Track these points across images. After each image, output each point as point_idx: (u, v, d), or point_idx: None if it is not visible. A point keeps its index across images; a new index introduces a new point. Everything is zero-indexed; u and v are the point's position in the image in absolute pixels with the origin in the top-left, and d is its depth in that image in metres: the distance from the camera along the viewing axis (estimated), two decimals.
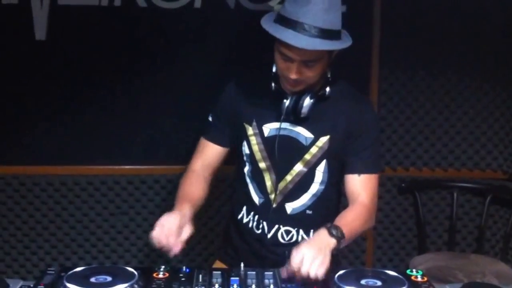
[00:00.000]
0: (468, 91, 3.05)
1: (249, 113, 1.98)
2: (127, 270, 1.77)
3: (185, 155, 2.29)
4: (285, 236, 2.03)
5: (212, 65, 2.81)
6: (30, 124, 2.90)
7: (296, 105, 1.89)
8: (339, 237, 1.75)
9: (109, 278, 1.71)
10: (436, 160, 3.11)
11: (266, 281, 1.74)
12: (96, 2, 2.78)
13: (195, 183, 2.03)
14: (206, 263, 2.99)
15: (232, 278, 1.74)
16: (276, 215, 2.00)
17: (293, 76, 1.81)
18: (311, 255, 1.66)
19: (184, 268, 1.80)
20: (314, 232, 1.88)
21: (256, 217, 2.05)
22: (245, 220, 2.08)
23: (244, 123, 1.99)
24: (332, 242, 1.74)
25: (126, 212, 3.00)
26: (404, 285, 1.72)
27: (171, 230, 1.76)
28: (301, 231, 2.03)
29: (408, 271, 1.84)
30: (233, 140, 2.06)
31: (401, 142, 3.08)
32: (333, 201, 2.08)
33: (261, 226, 2.04)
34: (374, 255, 3.17)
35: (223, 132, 2.06)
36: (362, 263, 3.14)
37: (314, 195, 2.01)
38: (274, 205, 2.00)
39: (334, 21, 1.78)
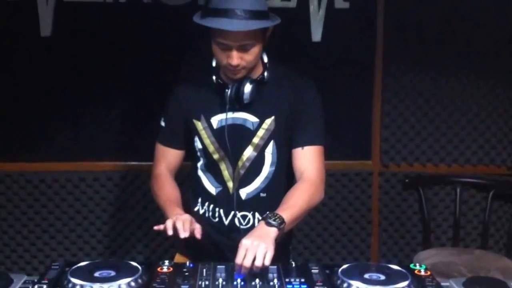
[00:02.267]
0: (472, 87, 3.06)
1: (197, 109, 2.05)
2: (131, 264, 1.77)
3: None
4: (242, 221, 2.08)
5: None
6: (36, 121, 2.93)
7: (238, 92, 1.97)
8: (279, 223, 1.80)
9: (113, 273, 1.71)
10: (440, 156, 3.12)
11: (270, 275, 1.74)
12: None
13: (170, 185, 2.09)
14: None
15: (236, 273, 1.75)
16: (232, 201, 2.06)
17: (235, 62, 1.89)
18: (252, 245, 1.72)
19: (188, 262, 1.81)
20: (262, 217, 1.95)
21: (211, 206, 2.10)
22: (201, 212, 2.13)
23: (194, 120, 2.05)
24: (272, 230, 1.79)
25: (132, 208, 3.02)
26: (407, 279, 1.72)
27: (187, 220, 1.85)
28: (256, 214, 2.07)
29: (411, 265, 1.84)
30: (187, 140, 2.11)
31: (405, 138, 3.10)
32: (285, 182, 2.12)
33: (217, 214, 2.09)
34: (379, 251, 3.18)
35: (177, 135, 2.11)
36: (367, 258, 3.16)
37: (266, 177, 2.06)
38: (231, 192, 2.06)
39: (260, 2, 1.89)
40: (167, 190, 2.06)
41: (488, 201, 3.08)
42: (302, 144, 2.02)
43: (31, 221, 3.00)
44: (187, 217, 1.87)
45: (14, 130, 2.93)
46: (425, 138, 3.10)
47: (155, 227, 1.86)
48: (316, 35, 2.93)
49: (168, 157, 2.12)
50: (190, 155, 2.13)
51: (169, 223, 1.83)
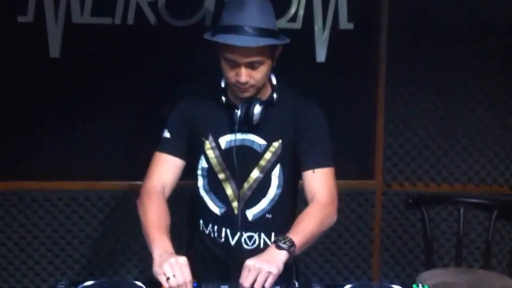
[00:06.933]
0: (475, 106, 3.07)
1: (205, 128, 2.05)
2: (135, 284, 1.79)
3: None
4: (248, 242, 2.08)
5: None
6: (42, 139, 2.96)
7: (248, 113, 1.97)
8: (289, 246, 1.80)
9: None
10: (442, 176, 3.13)
11: None
12: (109, 21, 2.85)
13: (160, 206, 1.97)
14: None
15: None
16: (238, 222, 2.06)
17: (243, 79, 1.89)
18: (255, 267, 1.73)
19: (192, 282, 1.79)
20: (275, 235, 1.99)
21: (216, 227, 2.09)
22: (206, 232, 2.13)
23: (202, 138, 2.05)
24: (282, 254, 1.79)
25: (135, 227, 3.02)
26: None
27: (188, 279, 1.74)
28: (262, 235, 2.08)
29: (414, 286, 1.84)
30: (189, 153, 2.09)
31: (407, 157, 3.11)
32: (290, 203, 2.14)
33: (223, 234, 2.09)
34: (381, 271, 3.18)
35: (181, 145, 2.07)
36: (369, 278, 3.15)
37: (272, 199, 2.07)
38: (236, 212, 2.06)
39: (269, 22, 1.91)
40: (155, 214, 1.93)
41: (492, 221, 3.08)
42: (313, 167, 2.01)
43: (36, 240, 3.02)
44: (182, 262, 1.74)
45: (19, 148, 2.96)
46: (427, 158, 3.11)
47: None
48: (321, 55, 2.96)
49: (167, 168, 2.04)
50: (192, 175, 2.12)
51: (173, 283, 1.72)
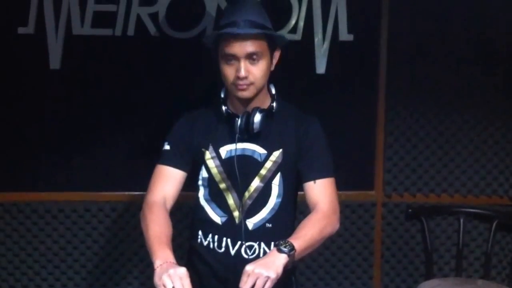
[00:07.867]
0: (474, 118, 3.09)
1: (205, 139, 2.09)
2: None
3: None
4: (248, 251, 2.09)
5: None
6: (42, 151, 2.96)
7: (248, 121, 2.00)
8: (289, 250, 1.82)
9: None
10: (442, 186, 3.14)
11: None
12: (110, 32, 2.86)
13: (162, 219, 1.99)
14: None
15: None
16: (239, 231, 2.07)
17: (242, 73, 1.93)
18: (254, 272, 1.75)
19: None
20: (274, 244, 1.98)
21: (216, 237, 2.10)
22: (204, 244, 2.13)
23: (202, 149, 2.08)
24: (282, 257, 1.81)
25: (136, 238, 3.03)
26: None
27: (184, 276, 1.76)
28: (262, 244, 2.09)
29: None
30: (191, 165, 2.12)
31: (407, 169, 3.12)
32: (290, 212, 2.16)
33: (223, 244, 2.10)
34: (381, 281, 3.17)
35: (182, 157, 2.10)
36: None
37: (272, 208, 2.09)
38: (238, 222, 2.07)
39: (265, 19, 2.00)
40: (159, 228, 1.95)
41: (491, 232, 3.08)
42: (314, 178, 2.04)
43: (36, 251, 3.02)
44: (182, 272, 1.76)
45: (20, 160, 2.96)
46: (427, 169, 3.12)
47: None
48: (321, 67, 2.97)
49: (169, 181, 2.07)
50: (193, 186, 2.14)
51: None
